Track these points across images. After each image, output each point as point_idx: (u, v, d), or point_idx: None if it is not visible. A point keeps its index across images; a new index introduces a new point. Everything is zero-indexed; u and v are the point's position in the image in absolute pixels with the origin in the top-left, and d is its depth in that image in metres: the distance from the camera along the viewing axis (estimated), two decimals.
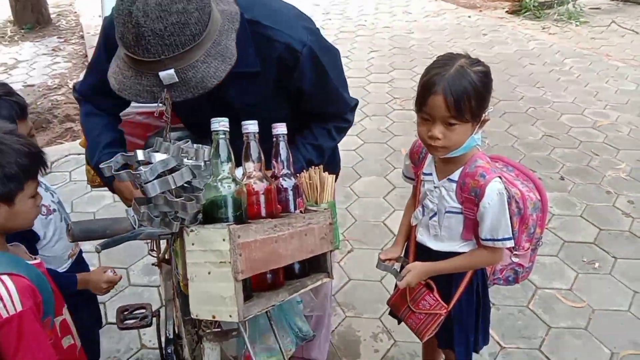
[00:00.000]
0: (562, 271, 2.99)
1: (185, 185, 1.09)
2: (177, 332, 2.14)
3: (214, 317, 1.09)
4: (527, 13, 7.94)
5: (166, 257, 2.28)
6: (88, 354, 1.72)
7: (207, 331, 1.29)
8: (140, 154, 1.05)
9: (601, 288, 2.86)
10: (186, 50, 1.24)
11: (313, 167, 1.51)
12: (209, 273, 1.07)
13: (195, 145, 1.09)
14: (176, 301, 2.18)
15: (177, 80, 1.25)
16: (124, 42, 1.25)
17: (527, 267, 1.86)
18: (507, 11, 8.20)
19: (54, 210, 1.74)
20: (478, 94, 1.48)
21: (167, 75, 1.23)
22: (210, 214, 1.14)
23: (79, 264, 1.87)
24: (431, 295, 1.78)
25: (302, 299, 1.69)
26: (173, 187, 1.03)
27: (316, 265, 1.40)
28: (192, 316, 1.12)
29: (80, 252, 1.88)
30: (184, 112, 1.69)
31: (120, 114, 1.83)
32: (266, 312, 1.41)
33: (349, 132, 1.87)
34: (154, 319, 2.00)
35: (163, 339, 2.09)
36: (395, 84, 5.46)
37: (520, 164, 1.86)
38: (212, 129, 1.14)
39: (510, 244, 1.65)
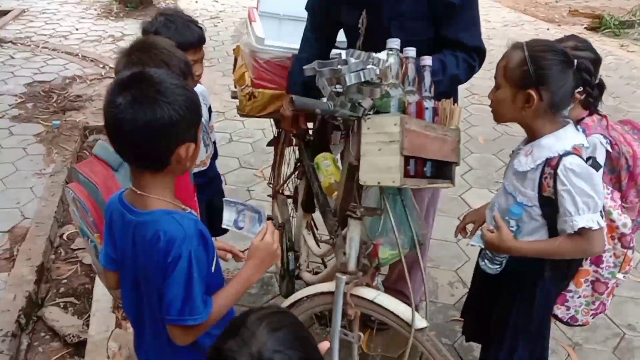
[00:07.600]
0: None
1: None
2: (292, 245, 2.55)
3: (379, 182, 1.46)
4: (607, 30, 8.06)
5: (281, 191, 2.70)
6: None
7: (358, 209, 1.66)
8: (343, 53, 1.44)
9: None
10: None
11: (445, 99, 1.85)
12: (379, 150, 1.45)
13: (378, 55, 1.47)
14: (292, 220, 2.58)
15: None
16: None
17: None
18: (585, 27, 8.33)
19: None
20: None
21: None
22: (379, 109, 1.51)
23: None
24: None
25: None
26: (362, 80, 1.41)
27: (441, 174, 1.76)
28: (361, 183, 1.49)
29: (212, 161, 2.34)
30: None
31: (272, 58, 2.29)
32: (402, 202, 1.78)
33: None
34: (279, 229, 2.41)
35: (284, 247, 2.50)
36: (473, 82, 5.74)
37: None
38: (387, 47, 1.52)
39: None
